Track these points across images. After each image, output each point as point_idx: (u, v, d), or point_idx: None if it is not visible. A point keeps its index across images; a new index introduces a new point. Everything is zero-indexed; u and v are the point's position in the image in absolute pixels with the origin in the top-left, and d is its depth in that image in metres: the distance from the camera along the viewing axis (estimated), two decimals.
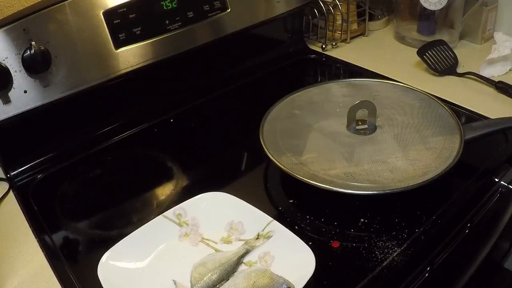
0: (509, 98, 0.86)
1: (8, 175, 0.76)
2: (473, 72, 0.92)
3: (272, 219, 0.59)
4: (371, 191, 0.62)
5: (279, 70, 1.03)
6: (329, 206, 0.64)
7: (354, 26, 1.13)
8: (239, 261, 0.56)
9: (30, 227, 0.67)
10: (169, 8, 0.81)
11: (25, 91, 0.71)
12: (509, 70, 0.93)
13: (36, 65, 0.70)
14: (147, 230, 0.59)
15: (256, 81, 0.99)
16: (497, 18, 1.04)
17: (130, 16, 0.78)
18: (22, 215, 0.69)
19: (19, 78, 0.70)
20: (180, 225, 0.61)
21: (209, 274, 0.54)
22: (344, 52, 1.08)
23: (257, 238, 0.58)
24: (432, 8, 1.00)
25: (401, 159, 0.67)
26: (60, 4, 0.72)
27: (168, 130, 0.87)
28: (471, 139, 0.69)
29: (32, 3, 0.76)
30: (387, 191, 0.61)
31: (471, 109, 0.83)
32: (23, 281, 0.59)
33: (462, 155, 0.64)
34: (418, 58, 0.95)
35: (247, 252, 0.57)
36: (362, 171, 0.65)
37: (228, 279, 0.54)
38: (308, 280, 0.51)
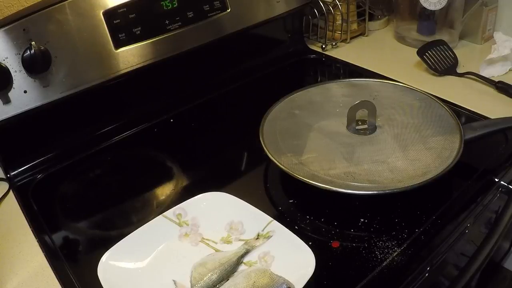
0: (509, 98, 0.86)
1: (8, 175, 0.76)
2: (473, 72, 0.92)
3: (272, 219, 0.59)
4: (371, 191, 0.62)
5: (279, 70, 1.03)
6: (329, 206, 0.64)
7: (354, 26, 1.13)
8: (239, 261, 0.56)
9: (30, 227, 0.67)
10: (169, 8, 0.81)
11: (25, 91, 0.71)
12: (509, 70, 0.93)
13: (36, 65, 0.70)
14: (147, 230, 0.59)
15: (256, 81, 0.99)
16: (497, 18, 1.04)
17: (130, 16, 0.78)
18: (22, 215, 0.69)
19: (19, 78, 0.70)
20: (180, 225, 0.61)
21: (209, 274, 0.54)
22: (344, 52, 1.08)
23: (257, 238, 0.58)
24: (432, 8, 1.00)
25: (401, 159, 0.67)
26: (60, 4, 0.72)
27: (168, 130, 0.87)
28: (471, 139, 0.69)
29: (32, 3, 0.76)
30: (387, 191, 0.61)
31: (471, 109, 0.83)
32: (23, 281, 0.59)
33: (462, 155, 0.64)
34: (418, 58, 0.95)
35: (247, 252, 0.57)
36: (362, 171, 0.65)
37: (228, 279, 0.54)
38: (308, 280, 0.51)
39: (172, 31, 0.82)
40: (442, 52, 0.96)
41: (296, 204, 0.66)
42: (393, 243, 0.58)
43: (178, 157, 0.80)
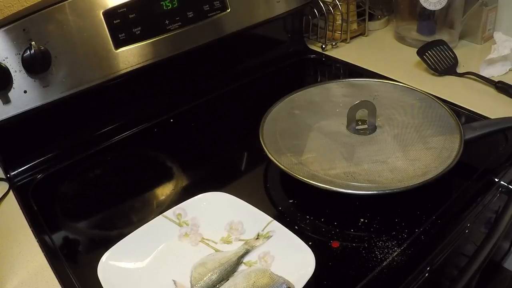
0: (509, 98, 0.86)
1: (8, 175, 0.76)
2: (473, 72, 0.92)
3: (272, 219, 0.59)
4: (371, 191, 0.62)
5: (279, 70, 1.03)
6: (329, 206, 0.64)
7: (354, 26, 1.13)
8: (239, 261, 0.56)
9: (30, 227, 0.67)
10: (169, 8, 0.81)
11: (25, 91, 0.71)
12: (509, 70, 0.93)
13: (36, 65, 0.70)
14: (147, 230, 0.59)
15: (256, 81, 0.99)
16: (497, 18, 1.04)
17: (130, 16, 0.78)
18: (22, 215, 0.69)
19: (19, 78, 0.70)
20: (180, 225, 0.61)
21: (209, 274, 0.54)
22: (344, 52, 1.08)
23: (257, 238, 0.58)
24: (432, 8, 1.00)
25: (401, 159, 0.67)
26: (60, 4, 0.72)
27: (168, 130, 0.87)
28: (471, 139, 0.69)
29: (32, 3, 0.76)
30: (387, 191, 0.61)
31: (471, 109, 0.83)
32: (23, 281, 0.59)
33: (462, 155, 0.64)
34: (418, 58, 0.95)
35: (247, 252, 0.57)
36: (362, 171, 0.65)
37: (228, 279, 0.54)
38: (308, 280, 0.51)
39: (172, 31, 0.82)
40: (442, 52, 0.96)
41: (296, 204, 0.66)
42: (393, 243, 0.58)
43: (178, 157, 0.80)
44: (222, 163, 0.78)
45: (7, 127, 0.72)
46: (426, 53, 0.95)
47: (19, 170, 0.76)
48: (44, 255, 0.62)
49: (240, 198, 0.62)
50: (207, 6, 0.86)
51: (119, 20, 0.77)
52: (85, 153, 0.81)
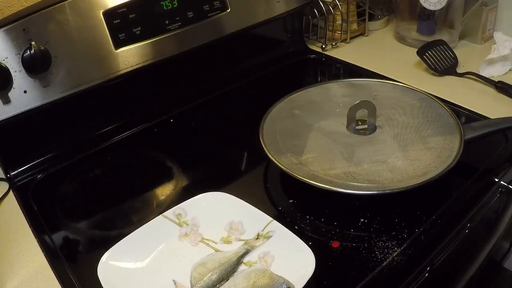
0: (509, 98, 0.86)
1: (8, 175, 0.76)
2: (473, 72, 0.92)
3: (272, 219, 0.59)
4: (371, 191, 0.62)
5: (279, 70, 1.03)
6: (329, 206, 0.64)
7: (354, 26, 1.13)
8: (239, 261, 0.56)
9: (30, 227, 0.67)
10: (169, 8, 0.81)
11: (25, 91, 0.71)
12: (509, 70, 0.93)
13: (36, 65, 0.70)
14: (147, 230, 0.59)
15: (256, 81, 0.99)
16: (497, 18, 1.04)
17: (130, 16, 0.78)
18: (22, 215, 0.69)
19: (19, 78, 0.70)
20: (180, 225, 0.61)
21: (209, 274, 0.54)
22: (344, 52, 1.08)
23: (257, 238, 0.58)
24: (432, 8, 1.00)
25: (401, 159, 0.67)
26: (60, 4, 0.72)
27: (168, 130, 0.87)
28: (471, 139, 0.69)
29: (32, 3, 0.76)
30: (387, 191, 0.61)
31: (471, 109, 0.83)
32: (23, 281, 0.59)
33: (462, 155, 0.64)
34: (418, 58, 0.95)
35: (247, 252, 0.57)
36: (362, 171, 0.65)
37: (228, 279, 0.54)
38: (308, 280, 0.51)
39: (172, 31, 0.82)
40: (442, 52, 0.97)
41: (296, 204, 0.66)
42: (393, 243, 0.58)
43: (178, 157, 0.80)
44: (222, 163, 0.78)
45: (7, 127, 0.72)
46: (426, 53, 0.95)
47: (19, 170, 0.76)
48: (44, 255, 0.62)
49: (240, 198, 0.62)
50: (207, 6, 0.86)
51: (119, 20, 0.77)
52: (85, 153, 0.81)
